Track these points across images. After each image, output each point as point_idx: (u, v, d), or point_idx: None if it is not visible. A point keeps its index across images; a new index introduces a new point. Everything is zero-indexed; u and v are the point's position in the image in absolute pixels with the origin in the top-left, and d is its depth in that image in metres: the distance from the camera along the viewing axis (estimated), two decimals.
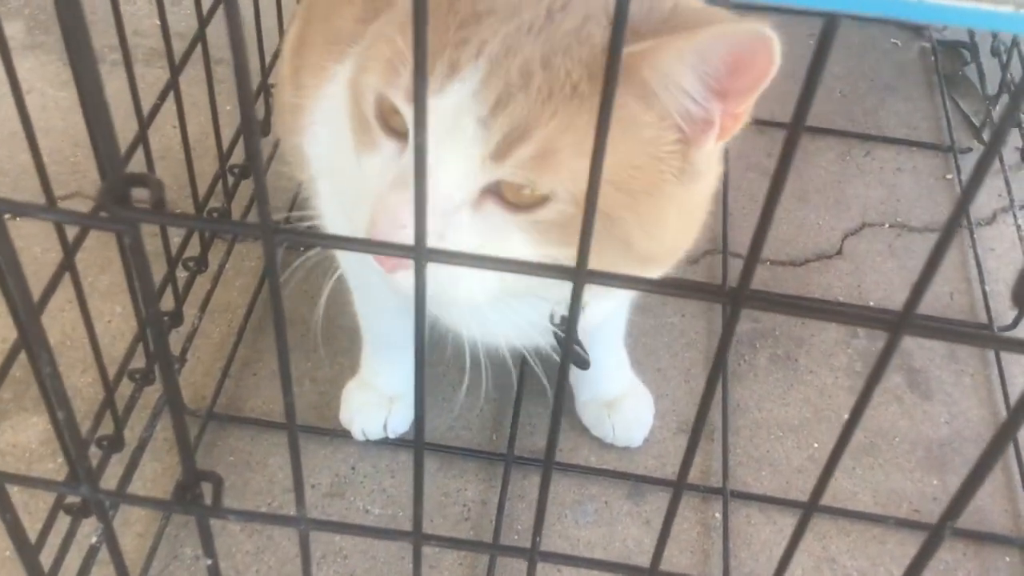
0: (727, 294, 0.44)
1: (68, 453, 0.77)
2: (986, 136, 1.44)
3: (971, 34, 1.57)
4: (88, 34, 0.41)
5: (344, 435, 1.05)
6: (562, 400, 0.51)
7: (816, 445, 1.08)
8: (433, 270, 0.44)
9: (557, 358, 1.06)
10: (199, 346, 1.11)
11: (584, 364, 0.86)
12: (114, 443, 0.89)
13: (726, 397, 1.10)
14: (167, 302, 1.00)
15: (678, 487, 0.53)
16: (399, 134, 0.61)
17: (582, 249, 0.43)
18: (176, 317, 0.98)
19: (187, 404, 1.06)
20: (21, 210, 0.46)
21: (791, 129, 0.37)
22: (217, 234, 1.14)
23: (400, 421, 1.05)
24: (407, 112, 0.58)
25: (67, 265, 0.76)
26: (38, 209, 0.43)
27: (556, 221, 0.59)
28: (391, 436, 1.04)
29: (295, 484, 0.57)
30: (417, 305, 0.46)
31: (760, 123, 0.65)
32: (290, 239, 0.45)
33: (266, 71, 1.15)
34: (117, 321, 1.12)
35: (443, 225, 0.58)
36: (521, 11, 0.57)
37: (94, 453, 0.91)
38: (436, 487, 1.03)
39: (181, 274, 1.05)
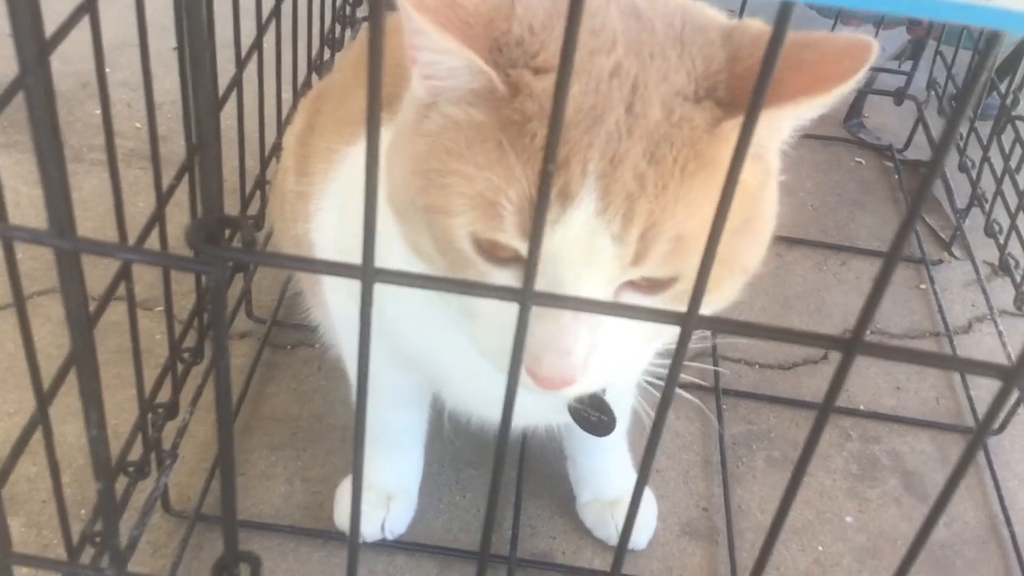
0: (845, 342, 0.43)
1: None
2: (955, 250, 1.49)
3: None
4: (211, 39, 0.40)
5: (339, 537, 1.00)
6: (650, 464, 0.49)
7: (820, 548, 1.06)
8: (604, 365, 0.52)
9: (563, 432, 1.02)
10: (184, 444, 1.06)
11: (611, 427, 0.83)
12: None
13: (728, 500, 1.09)
14: (164, 393, 0.95)
15: None
16: (511, 261, 0.59)
17: (696, 296, 0.43)
18: (172, 408, 0.93)
19: (172, 505, 1.01)
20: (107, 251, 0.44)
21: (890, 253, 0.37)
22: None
23: (398, 521, 1.00)
24: (522, 247, 0.57)
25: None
26: (122, 250, 0.41)
27: (688, 289, 0.60)
28: (389, 537, 1.00)
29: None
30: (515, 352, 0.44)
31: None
32: (390, 279, 0.43)
33: (264, 164, 1.14)
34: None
35: (594, 333, 0.59)
36: (601, 114, 0.55)
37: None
38: None
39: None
